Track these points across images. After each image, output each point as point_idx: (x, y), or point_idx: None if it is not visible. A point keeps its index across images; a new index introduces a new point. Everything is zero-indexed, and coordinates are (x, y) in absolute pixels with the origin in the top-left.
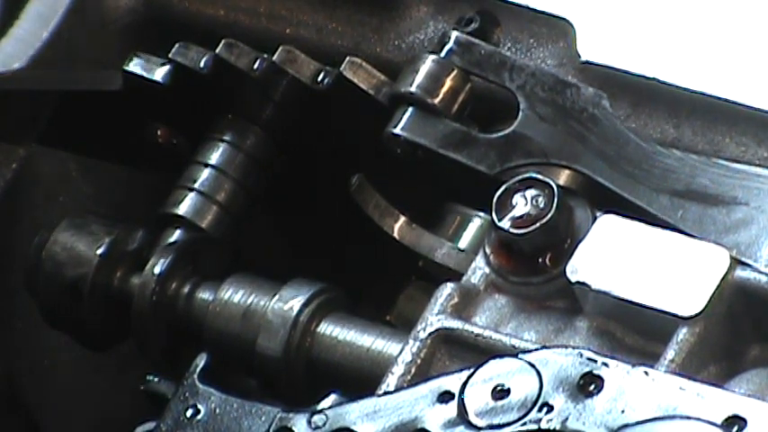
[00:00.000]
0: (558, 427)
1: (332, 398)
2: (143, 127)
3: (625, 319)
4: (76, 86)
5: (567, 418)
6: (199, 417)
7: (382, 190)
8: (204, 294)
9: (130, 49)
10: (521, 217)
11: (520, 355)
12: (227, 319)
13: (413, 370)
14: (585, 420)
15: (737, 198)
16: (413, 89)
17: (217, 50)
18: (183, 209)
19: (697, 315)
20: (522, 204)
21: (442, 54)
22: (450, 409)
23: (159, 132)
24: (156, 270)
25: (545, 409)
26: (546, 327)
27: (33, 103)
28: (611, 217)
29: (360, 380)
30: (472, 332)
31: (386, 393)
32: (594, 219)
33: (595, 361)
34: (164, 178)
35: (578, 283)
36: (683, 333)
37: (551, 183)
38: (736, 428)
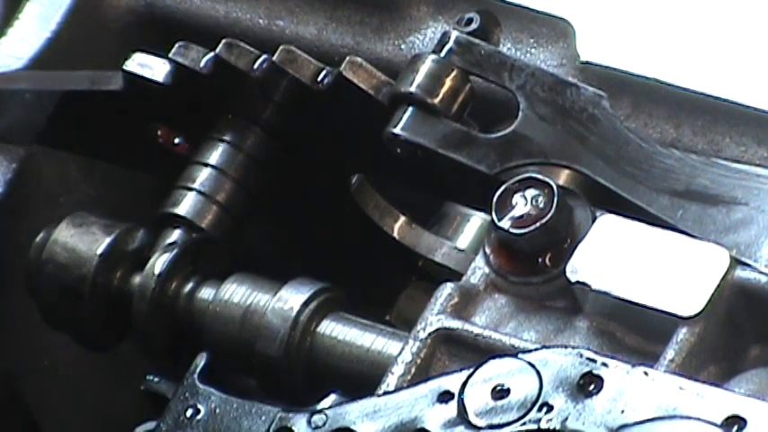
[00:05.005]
0: (557, 427)
1: (332, 398)
2: (143, 127)
3: (625, 319)
4: (76, 86)
5: (566, 418)
6: (199, 417)
7: (382, 190)
8: (204, 294)
9: (130, 49)
10: (520, 217)
11: (520, 355)
12: (227, 318)
13: (413, 370)
14: (585, 420)
15: (737, 198)
16: (413, 89)
17: (217, 50)
18: (183, 209)
19: (697, 315)
20: (521, 204)
21: (442, 54)
22: (450, 408)
23: (159, 132)
24: (156, 270)
25: (545, 409)
26: (546, 327)
27: (33, 103)
28: (611, 217)
29: (360, 380)
30: (472, 332)
31: (386, 393)
32: (594, 219)
33: (595, 361)
34: (164, 178)
35: (578, 282)
36: (682, 333)
37: (551, 183)
38: (735, 428)
